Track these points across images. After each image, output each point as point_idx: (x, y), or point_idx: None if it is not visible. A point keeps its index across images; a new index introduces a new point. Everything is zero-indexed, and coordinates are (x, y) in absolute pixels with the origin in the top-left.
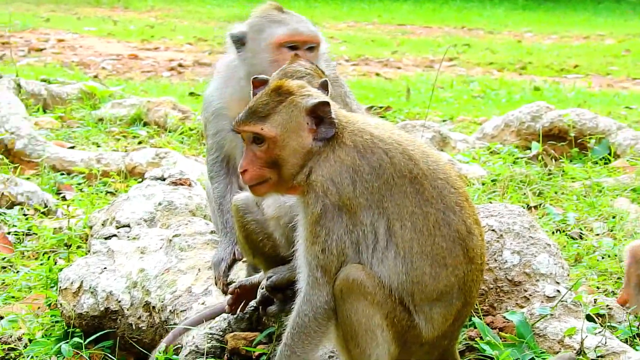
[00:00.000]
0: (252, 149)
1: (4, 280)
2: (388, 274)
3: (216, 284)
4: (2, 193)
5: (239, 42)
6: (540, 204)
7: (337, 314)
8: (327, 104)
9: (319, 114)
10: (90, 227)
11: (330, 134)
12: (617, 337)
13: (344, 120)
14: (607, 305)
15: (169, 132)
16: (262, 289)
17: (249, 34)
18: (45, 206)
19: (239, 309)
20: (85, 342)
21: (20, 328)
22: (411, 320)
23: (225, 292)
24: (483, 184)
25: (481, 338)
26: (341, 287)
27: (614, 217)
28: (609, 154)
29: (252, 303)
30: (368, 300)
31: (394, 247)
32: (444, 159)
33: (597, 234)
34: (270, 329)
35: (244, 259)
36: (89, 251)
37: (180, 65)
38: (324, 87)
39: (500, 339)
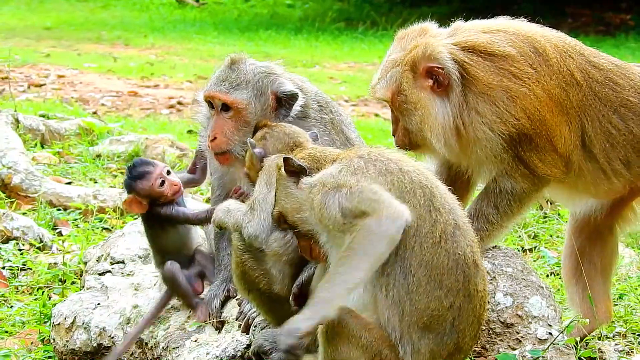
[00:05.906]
0: None
1: None
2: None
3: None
4: None
5: None
6: (535, 247)
7: (323, 356)
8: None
9: None
10: (85, 263)
11: None
12: None
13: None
14: (599, 349)
15: None
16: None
17: None
18: (41, 241)
19: None
20: None
21: None
22: None
23: (218, 329)
24: None
25: None
26: (326, 329)
27: None
28: None
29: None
30: (353, 343)
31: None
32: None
33: None
34: None
35: (237, 296)
36: (83, 287)
37: (179, 102)
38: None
39: None
